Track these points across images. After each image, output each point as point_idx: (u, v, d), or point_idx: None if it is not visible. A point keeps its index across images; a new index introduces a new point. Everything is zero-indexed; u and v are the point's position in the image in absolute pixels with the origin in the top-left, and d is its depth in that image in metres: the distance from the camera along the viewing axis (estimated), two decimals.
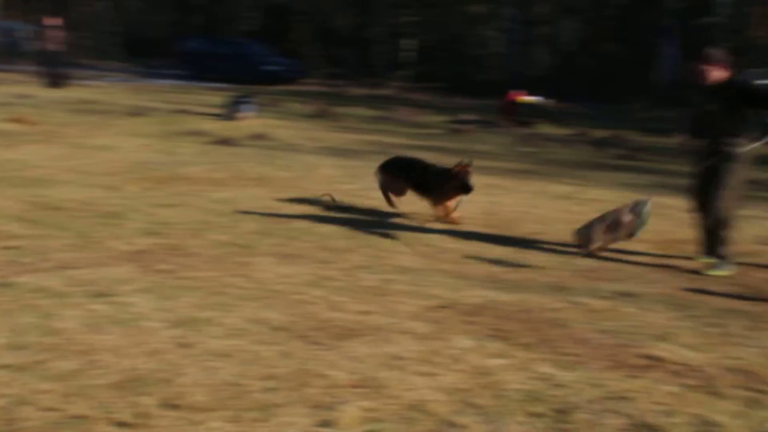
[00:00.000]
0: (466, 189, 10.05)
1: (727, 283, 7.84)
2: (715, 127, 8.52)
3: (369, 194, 11.63)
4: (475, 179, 10.08)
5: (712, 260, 8.39)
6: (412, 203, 10.58)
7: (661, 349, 5.73)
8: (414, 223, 9.94)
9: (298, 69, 38.05)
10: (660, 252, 9.07)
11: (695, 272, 8.20)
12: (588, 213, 11.02)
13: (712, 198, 8.51)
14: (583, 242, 8.81)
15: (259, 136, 17.84)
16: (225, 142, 16.86)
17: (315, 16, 44.93)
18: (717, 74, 8.55)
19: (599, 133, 23.30)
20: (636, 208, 8.91)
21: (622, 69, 38.77)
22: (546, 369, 5.22)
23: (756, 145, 8.38)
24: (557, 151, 19.88)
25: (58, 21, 28.60)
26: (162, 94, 26.97)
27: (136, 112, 21.71)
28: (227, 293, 6.72)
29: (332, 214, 10.23)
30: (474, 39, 44.32)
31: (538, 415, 4.52)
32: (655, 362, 5.48)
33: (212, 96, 25.59)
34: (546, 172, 15.77)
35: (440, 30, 44.09)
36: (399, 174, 10.71)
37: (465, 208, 10.14)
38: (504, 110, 26.09)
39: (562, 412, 4.56)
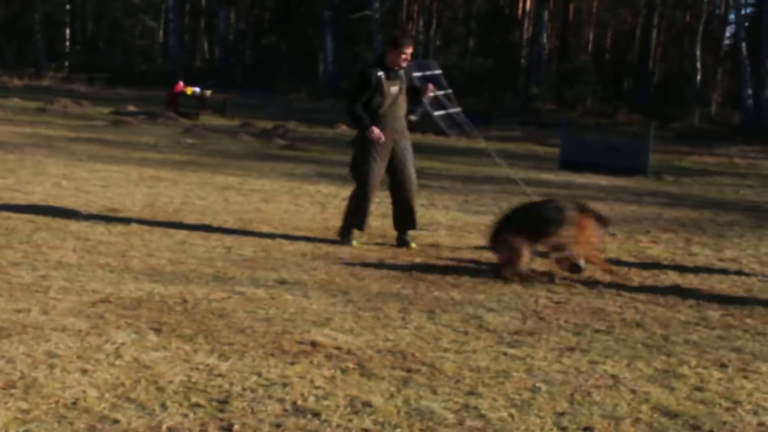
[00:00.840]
0: (604, 221, 8.13)
1: (383, 269, 8.15)
2: (401, 109, 8.97)
3: (25, 188, 11.23)
4: (137, 172, 9.93)
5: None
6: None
7: (319, 335, 5.89)
8: (75, 216, 9.65)
9: None
10: (319, 239, 9.31)
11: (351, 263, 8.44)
12: (251, 203, 11.19)
13: (411, 176, 9.01)
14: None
15: None
16: None
17: None
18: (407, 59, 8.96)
19: (263, 124, 23.60)
20: None
21: (285, 60, 39.46)
22: (206, 359, 5.24)
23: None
24: (221, 142, 19.98)
25: None
26: None
27: None
28: None
29: None
30: (136, 29, 43.73)
31: (197, 406, 4.53)
32: (313, 348, 5.62)
33: None
34: (210, 163, 15.81)
35: (101, 19, 43.18)
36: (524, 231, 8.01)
37: (125, 201, 9.95)
38: (168, 101, 25.95)
39: (221, 402, 4.60)
